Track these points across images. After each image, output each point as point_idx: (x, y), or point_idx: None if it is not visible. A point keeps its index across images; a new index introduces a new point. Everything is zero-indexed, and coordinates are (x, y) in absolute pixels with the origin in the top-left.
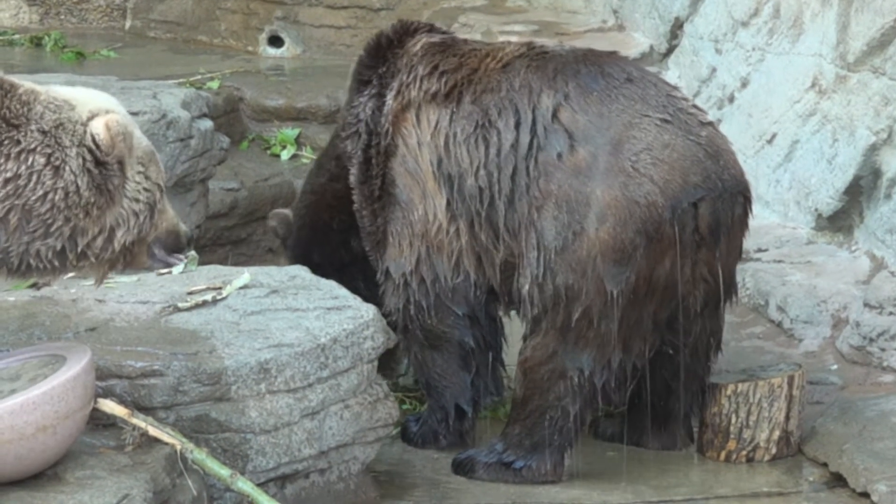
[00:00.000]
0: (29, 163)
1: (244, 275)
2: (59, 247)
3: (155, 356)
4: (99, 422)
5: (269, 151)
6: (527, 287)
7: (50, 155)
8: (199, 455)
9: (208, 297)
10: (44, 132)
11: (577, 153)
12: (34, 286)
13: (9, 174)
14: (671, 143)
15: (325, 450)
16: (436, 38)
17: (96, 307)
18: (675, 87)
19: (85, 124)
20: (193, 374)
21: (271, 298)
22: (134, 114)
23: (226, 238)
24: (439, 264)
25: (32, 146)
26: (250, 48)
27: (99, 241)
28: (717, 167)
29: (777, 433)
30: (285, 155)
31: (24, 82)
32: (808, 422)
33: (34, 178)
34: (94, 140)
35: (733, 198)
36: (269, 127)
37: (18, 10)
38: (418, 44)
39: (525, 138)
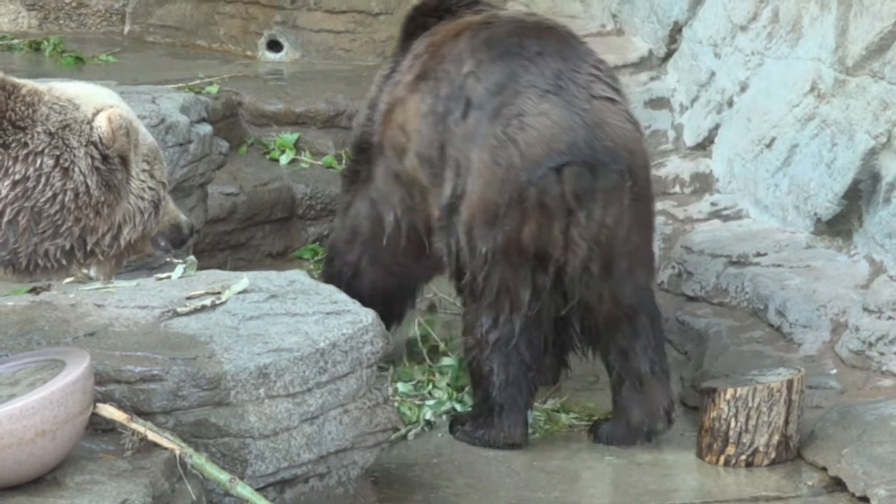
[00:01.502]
0: (37, 165)
1: (243, 279)
2: (67, 246)
3: (154, 361)
4: (98, 427)
5: (268, 156)
6: (443, 251)
7: (59, 157)
8: (199, 460)
9: (207, 301)
10: (50, 133)
11: (468, 119)
12: (33, 291)
13: (17, 176)
14: (546, 112)
15: (325, 454)
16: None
17: (95, 312)
18: (598, 65)
19: (90, 122)
20: (192, 379)
21: (270, 303)
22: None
23: (225, 243)
24: None
25: (40, 148)
26: (249, 53)
27: (107, 239)
28: (590, 137)
29: (776, 437)
30: (284, 159)
31: (26, 82)
32: (808, 426)
33: (43, 180)
34: (98, 135)
35: (605, 167)
36: (268, 131)
37: (17, 14)
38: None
39: (446, 105)
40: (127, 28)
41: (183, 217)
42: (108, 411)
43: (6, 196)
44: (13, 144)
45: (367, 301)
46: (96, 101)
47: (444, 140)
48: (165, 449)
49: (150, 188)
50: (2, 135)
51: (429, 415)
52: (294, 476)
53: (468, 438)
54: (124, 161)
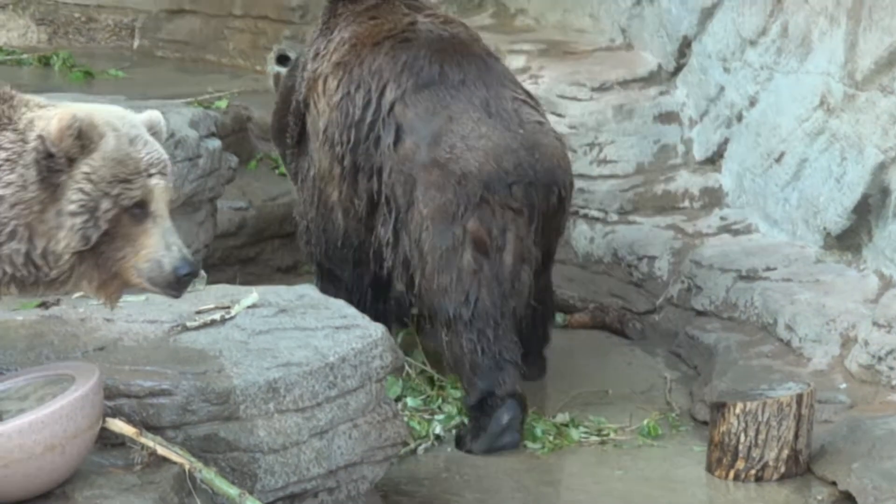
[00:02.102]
0: None
1: (252, 294)
2: (23, 250)
3: (163, 375)
4: (107, 441)
5: (277, 171)
6: (387, 250)
7: (10, 150)
8: (208, 474)
9: (217, 316)
10: (17, 131)
11: (403, 144)
12: (43, 305)
13: None
14: (487, 135)
15: (334, 469)
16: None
17: (105, 326)
18: (516, 90)
19: (52, 117)
20: (202, 394)
21: (280, 317)
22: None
23: (234, 257)
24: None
25: (3, 143)
26: (258, 67)
27: (50, 244)
28: (531, 158)
29: (786, 452)
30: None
31: (32, 97)
32: (817, 440)
33: None
34: (48, 130)
35: (546, 188)
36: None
37: (27, 29)
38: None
39: (368, 119)
40: (136, 43)
41: (169, 258)
42: (118, 426)
43: None
44: None
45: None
46: (75, 108)
47: (379, 163)
48: (175, 463)
49: (83, 192)
50: None
51: (438, 429)
52: (303, 490)
53: (474, 447)
54: (70, 162)
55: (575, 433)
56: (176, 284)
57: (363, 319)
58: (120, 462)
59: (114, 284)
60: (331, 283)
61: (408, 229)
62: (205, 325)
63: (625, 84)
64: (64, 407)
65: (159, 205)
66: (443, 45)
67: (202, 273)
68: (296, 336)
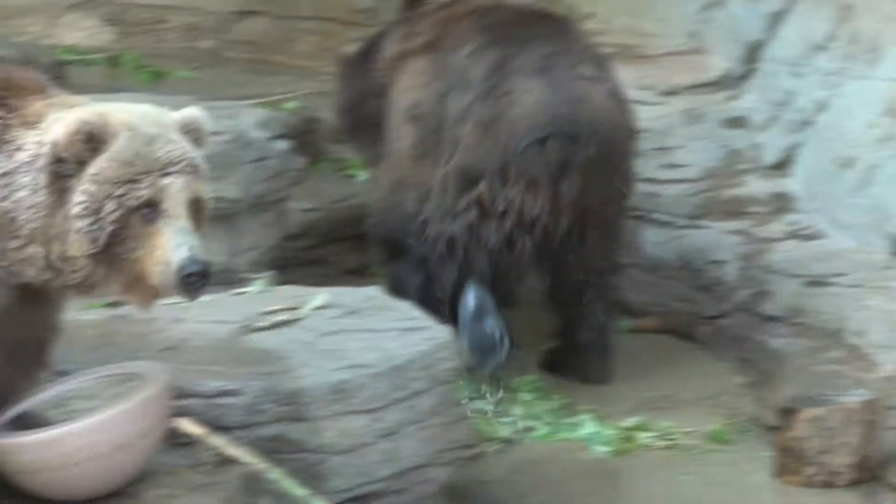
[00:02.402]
0: (14, 159)
1: (321, 295)
2: (42, 254)
3: (231, 376)
4: (176, 441)
5: (345, 172)
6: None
7: (30, 152)
8: (276, 475)
9: (285, 317)
10: (40, 132)
11: (463, 99)
12: (112, 305)
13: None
14: (532, 89)
15: (402, 471)
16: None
17: (173, 327)
18: (584, 49)
19: (63, 121)
20: (270, 394)
21: (348, 319)
22: (212, 134)
23: (302, 258)
24: None
25: (25, 145)
26: (327, 69)
27: (64, 249)
28: (572, 111)
29: (854, 458)
30: (362, 176)
31: (69, 96)
32: (886, 447)
33: (16, 176)
34: (57, 135)
35: (584, 139)
36: (346, 148)
37: (96, 30)
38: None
39: (446, 85)
40: (205, 44)
41: (178, 255)
42: (186, 426)
43: None
44: (11, 140)
45: None
46: (96, 108)
47: (441, 121)
48: (242, 464)
49: (89, 195)
50: (6, 133)
51: (506, 432)
52: (371, 492)
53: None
54: (81, 166)
55: (643, 437)
56: (182, 284)
57: (431, 321)
58: (188, 462)
59: (140, 287)
60: (402, 263)
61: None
62: (273, 327)
63: (693, 88)
64: (133, 407)
65: (173, 204)
66: (525, 11)
67: (269, 274)
68: (364, 337)
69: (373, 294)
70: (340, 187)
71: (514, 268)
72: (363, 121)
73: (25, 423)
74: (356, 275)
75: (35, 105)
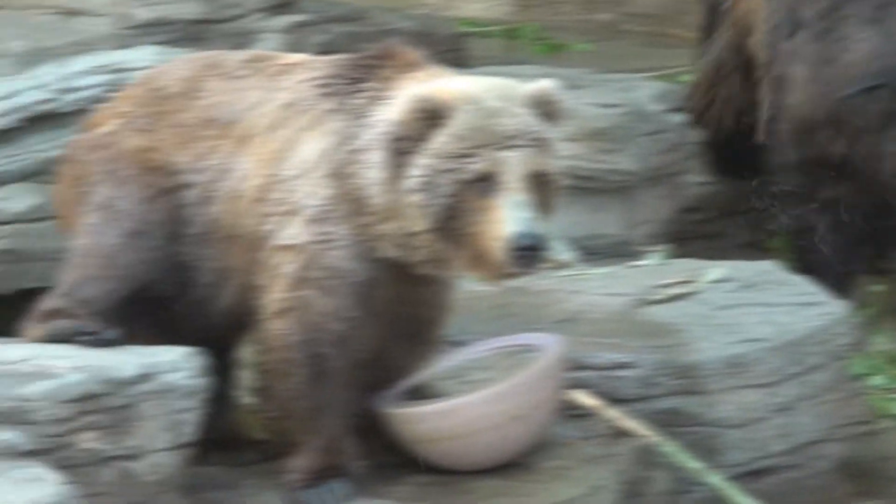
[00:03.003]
0: (368, 135)
1: (717, 269)
2: (392, 230)
3: (626, 348)
4: (570, 413)
5: None
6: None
7: (379, 128)
8: (670, 448)
9: (680, 290)
10: (390, 106)
11: (795, 38)
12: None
13: (353, 146)
14: (866, 38)
15: (797, 446)
16: None
17: (569, 298)
18: None
19: (406, 97)
20: (664, 368)
21: (743, 293)
22: (607, 106)
23: (698, 232)
24: None
25: (377, 121)
26: None
27: (407, 225)
28: None
29: None
30: None
31: (430, 68)
32: None
33: (368, 152)
34: (399, 112)
35: None
36: None
37: (495, 1)
38: None
39: (777, 21)
40: (603, 16)
41: (511, 228)
42: (580, 398)
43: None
44: (368, 116)
45: None
46: (438, 84)
47: (770, 56)
48: (636, 437)
49: (424, 169)
50: (362, 107)
51: None
52: (765, 467)
53: None
54: (419, 143)
55: None
56: (516, 259)
57: (827, 296)
58: (582, 434)
59: (482, 263)
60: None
61: (777, 131)
62: (668, 300)
63: None
64: (528, 378)
65: (510, 178)
66: None
67: (665, 247)
68: (759, 312)
69: (769, 268)
70: None
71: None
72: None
73: (421, 394)
74: (752, 248)
75: (400, 81)
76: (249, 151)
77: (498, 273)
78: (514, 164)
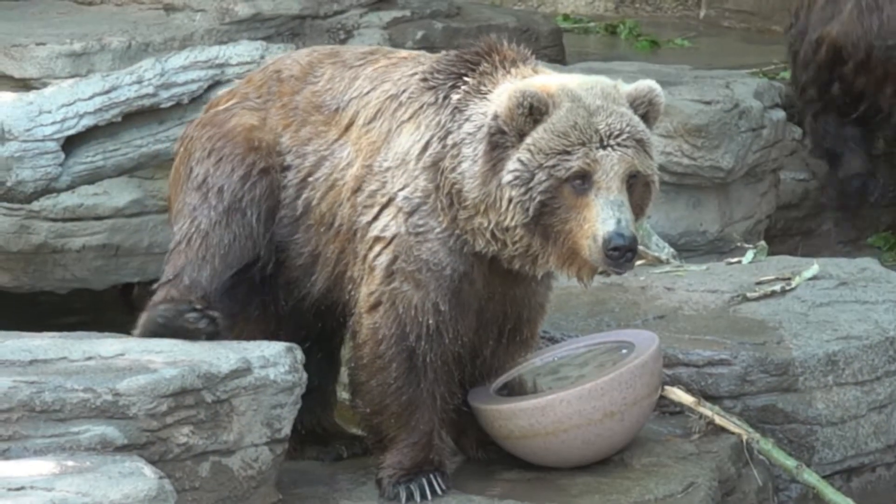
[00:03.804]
0: (463, 129)
1: (813, 266)
2: (485, 224)
3: (722, 345)
4: (665, 409)
5: None
6: None
7: (476, 123)
8: (766, 445)
9: (777, 287)
10: (488, 102)
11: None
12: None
13: (453, 139)
14: None
15: (893, 444)
16: None
17: (665, 295)
18: None
19: (506, 93)
20: (761, 364)
21: (840, 290)
22: (706, 103)
23: (796, 229)
24: None
25: (473, 115)
26: None
27: (499, 219)
28: None
29: None
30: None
31: (531, 66)
32: None
33: (463, 147)
34: (499, 107)
35: None
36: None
37: None
38: None
39: None
40: (702, 13)
41: (605, 228)
42: (676, 394)
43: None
44: (465, 110)
45: None
46: (540, 79)
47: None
48: (732, 433)
49: (522, 164)
50: (461, 102)
51: None
52: (861, 465)
53: None
54: (521, 138)
55: None
56: (607, 259)
57: None
58: (678, 431)
59: (576, 262)
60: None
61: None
62: (765, 296)
63: None
64: (623, 374)
65: (606, 176)
66: None
67: (763, 244)
68: (856, 309)
69: (866, 265)
70: None
71: None
72: None
73: (514, 390)
74: (849, 245)
75: (499, 76)
76: (350, 140)
77: (588, 271)
78: (611, 164)
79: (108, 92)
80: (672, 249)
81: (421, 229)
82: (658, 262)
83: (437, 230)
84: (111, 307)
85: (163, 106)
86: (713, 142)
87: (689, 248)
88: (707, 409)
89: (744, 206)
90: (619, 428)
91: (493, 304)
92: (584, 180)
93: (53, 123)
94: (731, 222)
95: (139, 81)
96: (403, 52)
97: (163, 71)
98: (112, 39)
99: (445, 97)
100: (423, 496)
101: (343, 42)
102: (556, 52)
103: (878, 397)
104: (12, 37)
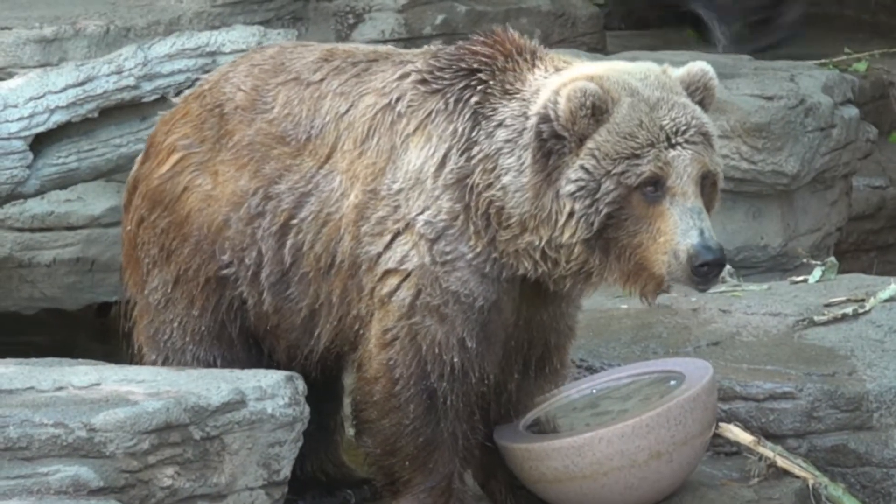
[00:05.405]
0: (497, 137)
1: (890, 286)
2: (535, 242)
3: (786, 376)
4: (720, 450)
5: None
6: None
7: (512, 128)
8: (835, 491)
9: (849, 310)
10: (523, 102)
11: None
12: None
13: (482, 152)
14: None
15: None
16: None
17: (720, 318)
18: None
19: (556, 91)
20: (830, 398)
21: None
22: (767, 98)
23: (870, 243)
24: None
25: (506, 119)
26: None
27: (554, 235)
28: None
29: None
30: None
31: (554, 55)
32: None
33: (501, 157)
34: (554, 109)
35: None
36: None
37: None
38: None
39: None
40: None
41: (687, 242)
42: (733, 432)
43: (473, 177)
44: (491, 114)
45: None
46: (584, 73)
47: None
48: (797, 477)
49: (586, 172)
50: (481, 104)
51: None
52: None
53: None
54: (580, 143)
55: None
56: (694, 276)
57: None
58: (734, 474)
59: (642, 277)
60: None
61: None
62: (835, 320)
63: None
64: (672, 409)
65: (680, 180)
66: None
67: (832, 260)
68: None
69: None
70: None
71: None
72: None
73: (547, 427)
74: None
75: (518, 70)
76: (338, 169)
77: (654, 287)
78: (684, 165)
79: (82, 83)
80: (729, 266)
81: (449, 257)
82: None
83: (469, 256)
84: (85, 330)
85: (145, 100)
86: (775, 143)
87: (747, 265)
88: (768, 450)
89: (810, 216)
90: (667, 471)
91: (518, 330)
92: (656, 186)
93: (20, 119)
94: (796, 235)
95: (118, 72)
96: (365, 49)
97: (145, 60)
98: (88, 23)
99: (458, 100)
100: None
101: (351, 28)
102: (595, 40)
103: None
104: None
